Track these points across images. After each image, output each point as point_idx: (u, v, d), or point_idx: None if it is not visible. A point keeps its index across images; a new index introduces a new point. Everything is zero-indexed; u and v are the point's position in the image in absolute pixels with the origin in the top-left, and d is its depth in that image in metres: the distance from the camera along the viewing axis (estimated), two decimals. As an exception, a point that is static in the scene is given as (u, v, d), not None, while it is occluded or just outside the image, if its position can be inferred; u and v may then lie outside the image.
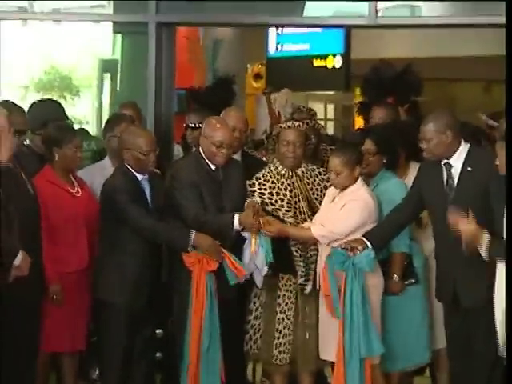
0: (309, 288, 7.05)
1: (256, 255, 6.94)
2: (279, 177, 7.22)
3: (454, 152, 6.76)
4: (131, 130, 7.18)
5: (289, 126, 7.27)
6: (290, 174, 7.22)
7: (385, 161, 7.17)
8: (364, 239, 6.74)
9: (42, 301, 6.84)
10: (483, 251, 6.17)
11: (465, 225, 6.21)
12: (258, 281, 7.06)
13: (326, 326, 6.92)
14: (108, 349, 7.02)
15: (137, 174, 6.99)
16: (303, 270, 7.07)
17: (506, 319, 5.52)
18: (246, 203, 7.00)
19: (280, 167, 7.23)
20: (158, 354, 7.37)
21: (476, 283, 6.59)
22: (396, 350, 6.95)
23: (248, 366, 7.92)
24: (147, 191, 7.00)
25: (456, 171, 6.75)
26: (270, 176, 7.21)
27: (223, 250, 6.83)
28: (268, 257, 6.90)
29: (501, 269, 6.12)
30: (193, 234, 6.79)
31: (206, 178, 7.04)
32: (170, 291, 7.08)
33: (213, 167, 7.07)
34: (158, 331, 7.29)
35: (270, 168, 7.27)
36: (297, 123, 7.31)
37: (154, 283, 6.99)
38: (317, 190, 7.22)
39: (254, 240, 6.91)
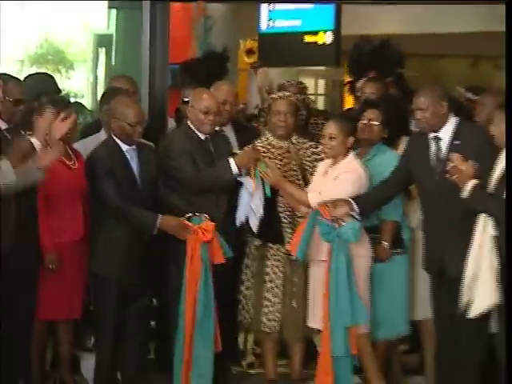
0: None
1: (252, 197, 6.99)
2: (270, 147, 7.26)
3: (444, 125, 6.83)
4: (121, 100, 7.16)
5: (280, 97, 7.33)
6: (281, 144, 7.27)
7: (385, 135, 7.21)
8: (350, 200, 6.76)
9: (38, 270, 6.91)
10: (465, 192, 6.26)
11: (465, 166, 6.28)
12: (253, 224, 7.07)
13: (314, 294, 6.95)
14: (101, 319, 7.05)
15: (121, 145, 6.99)
16: (290, 236, 7.10)
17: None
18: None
19: (271, 138, 7.28)
20: (152, 323, 7.39)
21: (462, 254, 6.64)
22: (378, 318, 6.99)
23: (239, 335, 8.00)
24: (134, 162, 6.99)
25: (444, 144, 6.79)
26: (261, 146, 7.25)
27: (214, 232, 6.83)
28: (267, 191, 6.95)
29: (480, 222, 6.24)
30: (159, 217, 6.82)
31: (198, 147, 7.08)
32: (165, 261, 7.11)
33: (202, 137, 7.11)
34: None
35: (261, 139, 7.32)
36: (287, 93, 7.38)
37: (144, 256, 6.97)
38: (307, 161, 7.26)
39: (253, 179, 6.94)
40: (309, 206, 6.87)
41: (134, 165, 7.00)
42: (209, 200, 7.03)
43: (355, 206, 6.76)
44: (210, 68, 9.06)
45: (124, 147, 7.00)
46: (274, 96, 7.43)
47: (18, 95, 6.74)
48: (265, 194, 6.99)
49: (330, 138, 6.91)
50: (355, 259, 6.81)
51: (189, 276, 6.82)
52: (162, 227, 6.83)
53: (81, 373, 7.50)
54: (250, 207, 7.04)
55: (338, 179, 6.85)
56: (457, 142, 6.76)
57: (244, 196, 7.05)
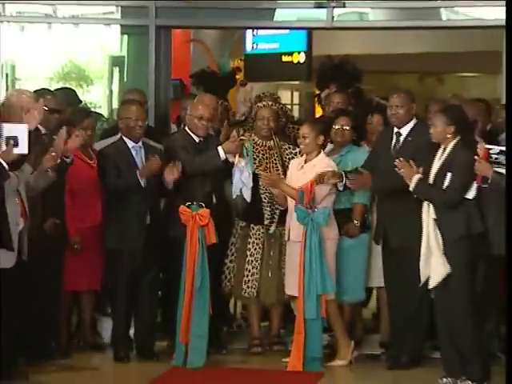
0: (272, 229, 7.17)
1: (242, 173, 7.00)
2: (256, 145, 7.28)
3: (407, 124, 6.82)
4: (124, 103, 7.22)
5: (264, 105, 7.36)
6: (264, 143, 7.29)
7: (355, 137, 7.22)
8: (342, 173, 6.77)
9: (65, 250, 6.90)
10: (411, 186, 6.33)
11: (407, 168, 6.36)
12: (247, 195, 7.10)
13: (291, 268, 6.95)
14: (115, 289, 7.05)
15: (128, 142, 7.00)
16: (269, 214, 7.17)
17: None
18: None
19: (256, 138, 7.31)
20: (159, 293, 7.37)
21: (402, 228, 6.67)
22: (343, 286, 6.99)
23: (230, 301, 7.99)
24: (138, 157, 7.00)
25: (401, 139, 6.82)
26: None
27: (209, 218, 6.80)
28: (251, 166, 7.00)
29: (425, 208, 6.30)
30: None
31: (193, 147, 7.07)
32: (168, 241, 7.07)
33: (197, 139, 7.10)
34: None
35: (249, 140, 7.31)
36: (270, 102, 7.41)
37: (149, 235, 6.96)
38: (286, 158, 7.29)
39: (237, 158, 6.97)
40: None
41: (138, 159, 7.00)
42: (194, 182, 7.00)
43: (344, 178, 6.78)
44: (222, 81, 9.02)
45: (130, 144, 7.02)
46: (259, 104, 7.43)
47: (53, 105, 6.75)
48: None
49: (304, 137, 6.92)
50: (325, 240, 6.82)
51: (188, 254, 6.80)
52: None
53: (100, 334, 7.50)
54: (241, 181, 7.05)
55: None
56: (409, 139, 6.79)
57: (236, 174, 7.05)
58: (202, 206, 6.84)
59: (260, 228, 7.21)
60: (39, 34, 11.19)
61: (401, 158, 6.45)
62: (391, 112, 6.84)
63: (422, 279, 6.36)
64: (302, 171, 6.95)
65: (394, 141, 6.87)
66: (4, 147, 5.73)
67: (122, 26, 9.79)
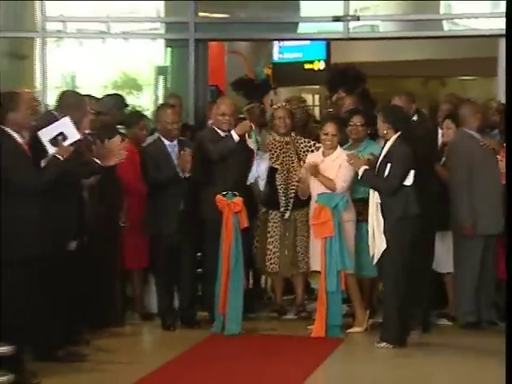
0: (287, 215, 7.17)
1: (259, 165, 7.02)
2: (274, 141, 7.28)
3: None
4: (162, 108, 7.19)
5: (278, 107, 7.38)
6: (281, 138, 7.26)
7: (369, 131, 7.09)
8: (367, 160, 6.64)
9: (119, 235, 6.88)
10: (359, 175, 6.45)
11: (356, 160, 6.50)
12: (261, 185, 7.10)
13: (315, 247, 6.88)
14: (156, 266, 7.05)
15: (165, 141, 6.97)
16: (284, 202, 7.17)
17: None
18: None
19: (275, 135, 7.31)
20: (199, 270, 7.34)
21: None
22: (361, 262, 6.87)
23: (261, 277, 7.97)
24: (173, 153, 6.94)
25: None
26: (269, 140, 7.32)
27: (242, 205, 6.74)
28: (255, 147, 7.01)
29: (371, 194, 6.42)
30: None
31: (218, 141, 7.02)
32: (204, 222, 7.01)
33: (222, 134, 7.05)
34: (198, 254, 7.29)
35: (270, 137, 7.37)
36: (284, 104, 7.43)
37: (181, 219, 6.88)
38: (302, 152, 7.23)
39: (251, 138, 6.98)
40: (333, 189, 6.77)
41: (174, 155, 6.96)
42: (224, 172, 6.91)
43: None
44: (258, 87, 8.94)
45: (166, 142, 6.97)
46: (274, 106, 7.51)
47: (98, 108, 6.71)
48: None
49: (332, 135, 6.83)
50: (344, 223, 6.75)
51: (224, 237, 6.76)
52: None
53: (148, 306, 7.47)
54: (257, 172, 7.04)
55: (345, 167, 6.72)
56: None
57: (254, 165, 7.04)
58: (236, 195, 6.78)
59: (277, 213, 7.21)
60: (95, 48, 11.25)
61: (350, 153, 6.64)
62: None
63: (370, 253, 6.42)
64: (323, 164, 6.86)
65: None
66: (54, 149, 5.53)
67: (165, 39, 9.80)
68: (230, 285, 6.75)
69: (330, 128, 6.87)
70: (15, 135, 5.43)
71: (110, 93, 8.80)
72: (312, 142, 7.20)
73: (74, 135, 5.56)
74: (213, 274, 6.82)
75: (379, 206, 6.34)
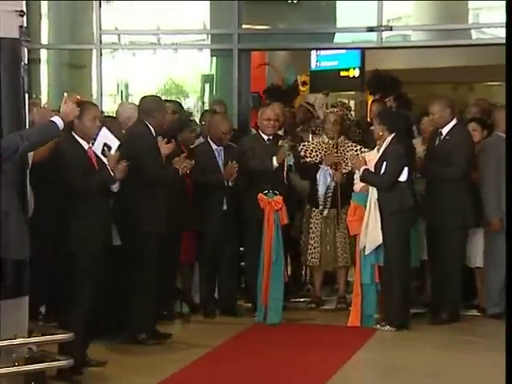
0: (325, 212, 7.18)
1: (324, 178, 7.10)
2: (322, 143, 7.26)
3: (446, 125, 6.73)
4: (216, 118, 7.23)
5: (331, 112, 7.41)
6: (331, 142, 7.25)
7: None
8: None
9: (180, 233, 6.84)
10: (360, 174, 6.60)
11: (357, 161, 6.71)
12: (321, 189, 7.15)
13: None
14: (201, 260, 7.12)
15: (212, 145, 7.03)
16: (322, 201, 7.16)
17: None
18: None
19: (324, 137, 7.30)
20: (242, 263, 7.38)
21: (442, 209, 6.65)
22: None
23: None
24: (220, 157, 7.02)
25: (441, 137, 6.77)
26: (314, 142, 7.28)
27: (282, 203, 6.76)
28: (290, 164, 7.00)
29: (370, 191, 6.52)
30: None
31: (263, 144, 7.11)
32: (246, 220, 7.06)
33: (265, 138, 7.13)
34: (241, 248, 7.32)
35: (317, 139, 7.34)
36: (335, 109, 7.44)
37: (224, 217, 6.94)
38: (347, 153, 7.21)
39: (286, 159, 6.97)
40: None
41: (220, 160, 7.02)
42: (263, 176, 6.97)
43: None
44: (285, 93, 8.97)
45: (214, 146, 7.04)
46: (327, 111, 7.52)
47: (175, 109, 6.87)
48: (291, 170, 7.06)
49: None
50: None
51: (266, 233, 6.78)
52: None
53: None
54: (326, 183, 7.11)
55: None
56: (447, 137, 6.70)
57: (322, 177, 7.12)
58: (276, 194, 6.81)
59: (318, 211, 7.22)
60: (147, 58, 11.35)
61: (352, 154, 6.84)
62: (432, 116, 6.78)
63: (361, 245, 6.55)
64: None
65: (437, 138, 6.78)
66: (106, 160, 5.52)
67: (211, 50, 9.84)
68: (272, 277, 6.76)
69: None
70: (83, 143, 5.44)
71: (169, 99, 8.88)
72: (359, 147, 7.19)
73: (114, 142, 5.56)
74: (255, 268, 6.85)
75: (377, 202, 6.43)
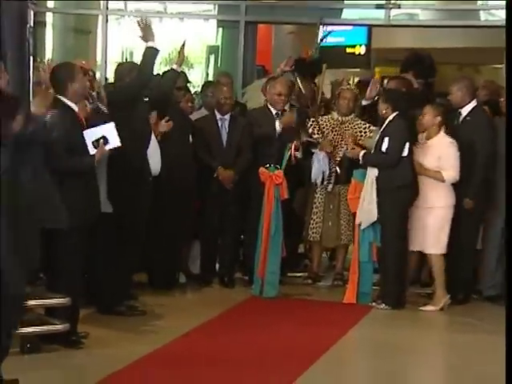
0: (330, 187, 7.14)
1: (319, 163, 7.05)
2: (332, 120, 7.22)
3: (465, 105, 6.74)
4: (218, 85, 7.25)
5: (347, 88, 7.26)
6: (339, 118, 7.20)
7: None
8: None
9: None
10: (360, 160, 6.64)
11: (352, 152, 6.77)
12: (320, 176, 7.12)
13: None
14: (203, 232, 7.14)
15: (217, 115, 7.02)
16: (327, 176, 7.12)
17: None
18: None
19: (335, 114, 7.24)
20: (242, 236, 7.39)
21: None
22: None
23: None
24: (225, 127, 7.01)
25: (461, 118, 6.78)
26: (325, 119, 7.24)
27: (283, 178, 6.75)
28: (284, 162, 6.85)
29: (368, 170, 6.56)
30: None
31: (271, 118, 7.08)
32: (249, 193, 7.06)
33: (274, 112, 7.10)
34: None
35: (327, 116, 7.29)
36: (350, 86, 7.25)
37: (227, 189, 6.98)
38: (357, 132, 7.12)
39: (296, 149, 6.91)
40: (443, 181, 6.57)
41: (224, 131, 7.00)
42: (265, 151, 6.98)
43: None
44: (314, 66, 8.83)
45: (218, 116, 7.01)
46: (343, 87, 7.29)
47: (182, 83, 6.83)
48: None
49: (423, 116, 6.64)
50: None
51: (266, 206, 6.78)
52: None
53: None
54: (321, 171, 7.06)
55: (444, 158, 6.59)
56: (468, 118, 6.74)
57: (316, 163, 7.07)
58: (278, 168, 6.79)
59: (322, 186, 7.18)
60: (152, 26, 11.25)
61: (347, 143, 6.89)
62: (450, 96, 6.79)
63: (357, 221, 6.59)
64: (421, 149, 6.64)
65: (455, 118, 6.80)
66: (94, 151, 5.28)
67: (217, 20, 9.78)
68: (269, 251, 6.76)
69: (425, 109, 6.63)
70: (73, 106, 5.25)
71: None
72: (367, 125, 7.10)
73: (115, 142, 5.35)
74: (254, 241, 6.84)
75: (374, 179, 6.46)
